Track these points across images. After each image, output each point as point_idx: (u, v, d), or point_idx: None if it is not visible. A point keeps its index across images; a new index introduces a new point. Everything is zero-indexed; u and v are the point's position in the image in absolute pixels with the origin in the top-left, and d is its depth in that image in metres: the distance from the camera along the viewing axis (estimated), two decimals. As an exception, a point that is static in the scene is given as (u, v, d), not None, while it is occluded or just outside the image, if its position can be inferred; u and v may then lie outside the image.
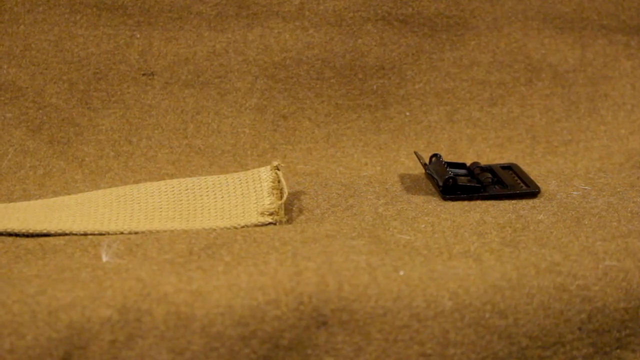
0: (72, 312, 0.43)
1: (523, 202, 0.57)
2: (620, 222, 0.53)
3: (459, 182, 0.58)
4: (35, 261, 0.48)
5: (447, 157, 0.63)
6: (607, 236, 0.50)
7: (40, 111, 0.63)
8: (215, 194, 0.56)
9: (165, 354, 0.43)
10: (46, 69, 0.64)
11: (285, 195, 0.55)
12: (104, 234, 0.51)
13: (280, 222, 0.54)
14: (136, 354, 0.43)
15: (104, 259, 0.47)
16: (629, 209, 0.55)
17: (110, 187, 0.59)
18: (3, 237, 0.50)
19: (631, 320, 0.47)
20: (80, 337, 0.42)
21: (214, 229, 0.52)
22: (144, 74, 0.65)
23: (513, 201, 0.57)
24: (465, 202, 0.57)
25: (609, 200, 0.57)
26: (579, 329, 0.46)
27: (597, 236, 0.50)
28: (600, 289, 0.46)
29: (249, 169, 0.59)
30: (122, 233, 0.51)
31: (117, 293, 0.44)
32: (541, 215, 0.55)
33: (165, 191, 0.56)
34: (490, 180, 0.59)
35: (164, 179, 0.61)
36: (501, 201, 0.57)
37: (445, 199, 0.58)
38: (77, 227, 0.52)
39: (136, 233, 0.52)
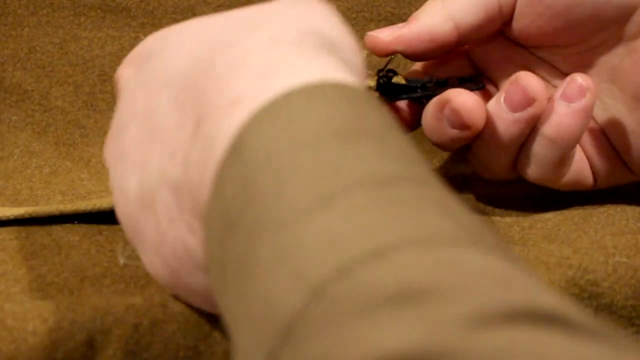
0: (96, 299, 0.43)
1: (529, 201, 0.57)
2: (628, 220, 0.53)
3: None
4: (51, 258, 0.48)
5: (449, 166, 0.62)
6: (616, 232, 0.50)
7: (46, 114, 0.63)
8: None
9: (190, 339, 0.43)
10: (51, 72, 0.64)
11: None
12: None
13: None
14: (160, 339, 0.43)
15: (121, 261, 0.47)
16: (637, 209, 0.55)
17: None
18: (17, 234, 0.51)
19: (639, 317, 0.47)
20: (104, 321, 0.42)
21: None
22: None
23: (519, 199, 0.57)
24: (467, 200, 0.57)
25: (616, 200, 0.57)
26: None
27: (605, 232, 0.50)
28: (609, 286, 0.46)
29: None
30: None
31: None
32: (548, 214, 0.54)
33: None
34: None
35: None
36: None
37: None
38: (85, 205, 0.52)
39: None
